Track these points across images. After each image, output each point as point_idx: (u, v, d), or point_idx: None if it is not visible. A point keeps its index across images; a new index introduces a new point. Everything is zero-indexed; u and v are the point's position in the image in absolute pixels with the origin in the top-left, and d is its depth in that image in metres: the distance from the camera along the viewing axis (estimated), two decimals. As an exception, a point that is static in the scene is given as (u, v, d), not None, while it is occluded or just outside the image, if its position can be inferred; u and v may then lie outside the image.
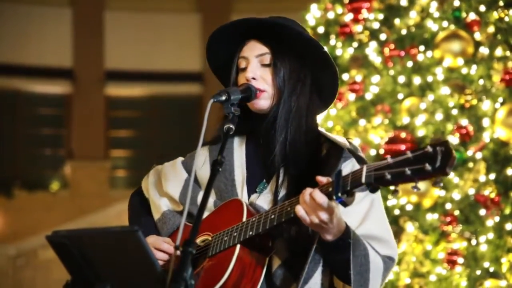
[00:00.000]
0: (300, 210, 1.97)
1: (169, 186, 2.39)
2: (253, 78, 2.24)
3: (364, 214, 2.15)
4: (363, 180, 1.87)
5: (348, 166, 2.16)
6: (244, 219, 2.13)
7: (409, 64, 4.72)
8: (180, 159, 2.47)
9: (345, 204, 1.92)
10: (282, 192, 2.18)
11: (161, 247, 2.23)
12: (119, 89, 13.61)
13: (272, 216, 2.05)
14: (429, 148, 1.79)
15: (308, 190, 1.97)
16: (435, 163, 1.77)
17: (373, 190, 1.88)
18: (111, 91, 13.53)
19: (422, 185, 4.39)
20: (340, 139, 2.21)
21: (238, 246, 2.09)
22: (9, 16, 12.84)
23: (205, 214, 2.23)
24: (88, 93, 13.19)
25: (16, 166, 13.10)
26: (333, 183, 1.93)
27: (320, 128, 2.28)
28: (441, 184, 1.81)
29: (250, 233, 2.08)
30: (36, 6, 13.00)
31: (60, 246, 1.96)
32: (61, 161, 13.23)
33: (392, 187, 1.86)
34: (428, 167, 1.77)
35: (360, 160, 2.10)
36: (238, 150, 2.33)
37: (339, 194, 1.90)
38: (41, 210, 12.36)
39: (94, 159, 13.06)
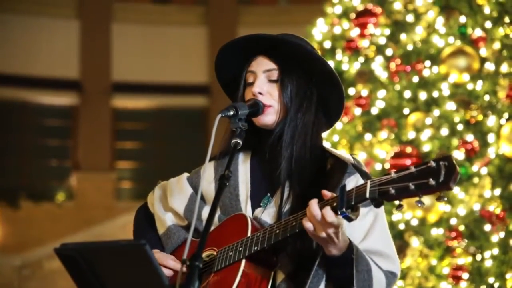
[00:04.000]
0: (307, 223, 1.98)
1: (174, 201, 2.39)
2: (260, 93, 2.26)
3: (368, 229, 2.16)
4: (368, 195, 1.88)
5: (352, 182, 2.16)
6: (249, 233, 2.13)
7: (415, 79, 4.73)
8: (186, 175, 2.47)
9: (349, 219, 1.94)
10: (286, 206, 2.18)
11: (166, 264, 2.24)
12: (126, 101, 13.65)
13: (277, 231, 2.06)
14: (433, 163, 1.80)
15: (315, 205, 1.98)
16: (438, 178, 1.78)
17: (377, 205, 1.90)
18: (118, 102, 13.57)
19: (426, 200, 4.38)
20: (344, 154, 2.22)
21: (244, 261, 2.10)
22: (17, 28, 12.91)
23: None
24: (94, 104, 13.23)
25: (22, 176, 13.13)
26: (337, 198, 1.94)
27: (324, 144, 2.30)
28: (445, 199, 1.83)
29: (255, 248, 2.08)
30: (44, 17, 13.07)
31: (68, 258, 1.98)
32: (67, 172, 13.25)
33: (396, 203, 1.88)
34: (432, 181, 1.79)
35: (365, 175, 2.11)
36: (243, 166, 2.34)
37: (344, 209, 1.92)
38: (46, 221, 12.37)
39: (100, 171, 13.08)
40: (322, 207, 1.97)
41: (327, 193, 1.99)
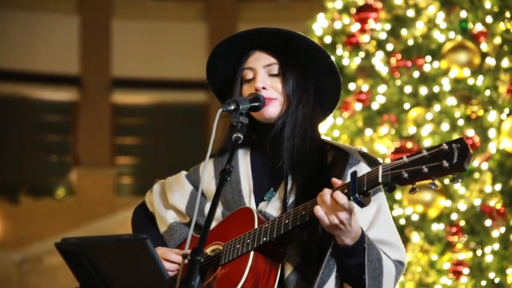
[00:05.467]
0: (319, 211, 1.98)
1: (175, 198, 2.39)
2: (263, 88, 2.26)
3: (372, 219, 2.16)
4: (380, 180, 1.89)
5: None
6: (256, 226, 2.13)
7: (416, 74, 4.73)
8: (184, 173, 2.47)
9: (362, 204, 1.94)
10: (291, 198, 2.19)
11: (169, 258, 2.23)
12: (126, 97, 13.65)
13: (286, 221, 2.06)
14: (445, 146, 1.81)
15: (327, 191, 1.98)
16: (452, 159, 1.79)
17: (390, 190, 1.90)
18: (118, 98, 13.57)
19: (427, 195, 4.40)
20: (348, 145, 2.23)
21: (252, 253, 2.09)
22: (17, 23, 12.90)
23: (213, 224, 2.23)
24: (94, 100, 13.23)
25: (22, 172, 13.13)
26: (349, 184, 1.95)
27: (325, 137, 2.31)
28: (460, 180, 1.83)
29: (264, 239, 2.08)
30: (43, 13, 13.06)
31: (69, 253, 1.98)
32: (67, 168, 13.26)
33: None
34: (445, 163, 1.79)
35: (373, 162, 2.08)
36: (243, 161, 2.34)
37: (356, 195, 1.92)
38: (46, 217, 12.37)
39: (100, 166, 13.08)
40: (333, 192, 1.97)
41: (337, 181, 1.99)
